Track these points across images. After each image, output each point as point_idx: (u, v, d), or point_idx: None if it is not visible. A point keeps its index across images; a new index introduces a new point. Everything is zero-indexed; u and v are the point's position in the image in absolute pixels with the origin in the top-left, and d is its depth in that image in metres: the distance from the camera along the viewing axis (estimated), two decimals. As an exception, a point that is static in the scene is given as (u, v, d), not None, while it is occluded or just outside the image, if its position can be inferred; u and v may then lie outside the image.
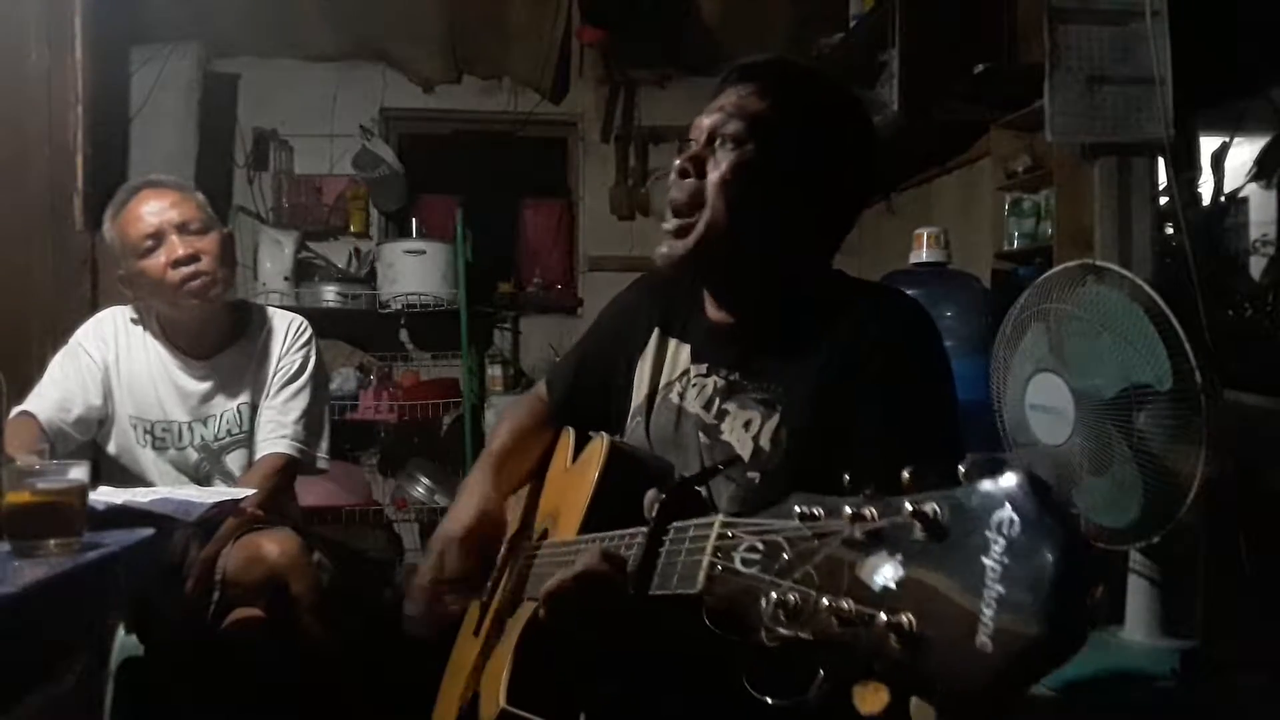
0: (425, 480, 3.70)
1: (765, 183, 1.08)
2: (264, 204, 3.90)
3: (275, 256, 3.64)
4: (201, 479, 1.91)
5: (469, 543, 1.23)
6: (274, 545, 1.71)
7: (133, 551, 1.19)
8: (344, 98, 3.92)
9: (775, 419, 1.09)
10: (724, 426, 1.12)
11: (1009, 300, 2.04)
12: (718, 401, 1.14)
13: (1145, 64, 2.25)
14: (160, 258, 1.81)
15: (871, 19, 3.08)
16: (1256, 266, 3.01)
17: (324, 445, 2.01)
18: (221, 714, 1.67)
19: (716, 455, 1.11)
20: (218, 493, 1.66)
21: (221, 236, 1.90)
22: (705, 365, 1.17)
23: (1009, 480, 0.53)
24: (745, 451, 1.09)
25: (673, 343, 1.23)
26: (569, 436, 1.27)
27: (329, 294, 3.69)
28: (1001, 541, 0.51)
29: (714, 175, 1.08)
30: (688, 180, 1.09)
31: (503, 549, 1.26)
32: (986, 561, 0.51)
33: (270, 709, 1.64)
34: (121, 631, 1.79)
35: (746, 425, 1.10)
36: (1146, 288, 1.71)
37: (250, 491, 1.70)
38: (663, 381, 1.21)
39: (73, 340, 1.94)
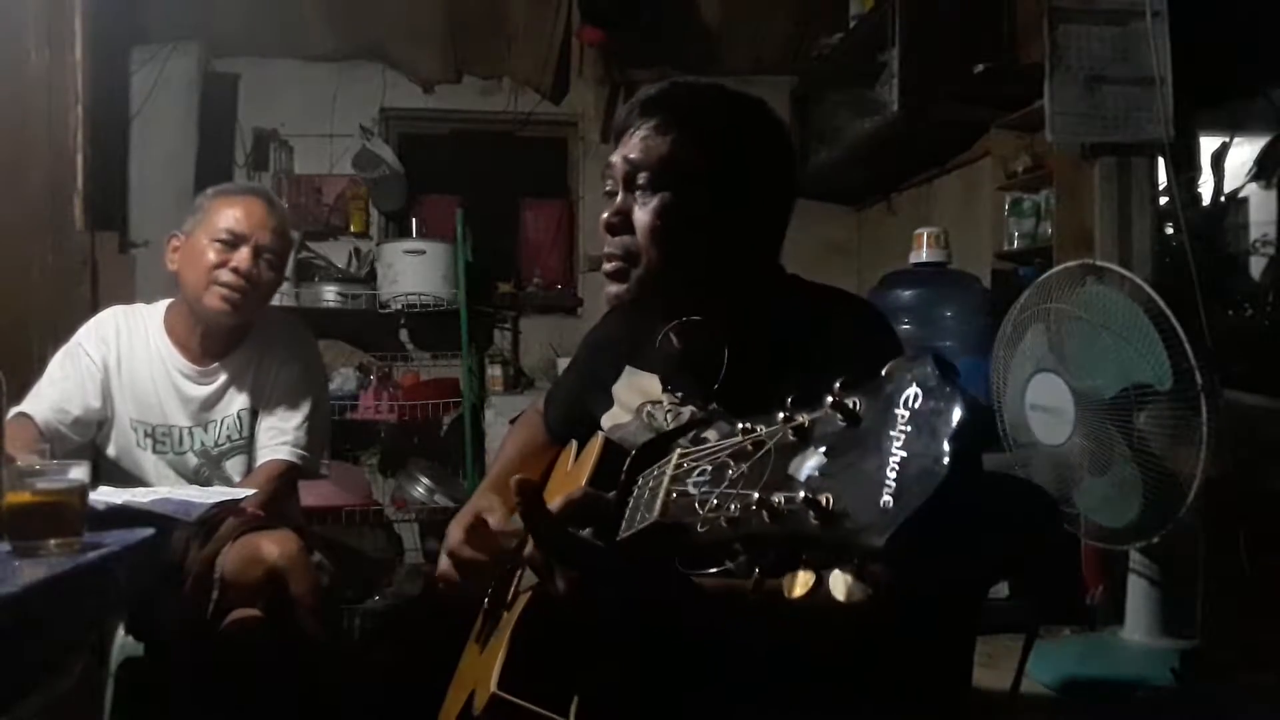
0: (425, 480, 3.70)
1: (690, 221, 1.08)
2: (264, 204, 3.90)
3: (275, 256, 3.63)
4: (201, 483, 1.90)
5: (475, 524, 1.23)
6: (273, 546, 1.70)
7: (133, 551, 1.19)
8: (344, 98, 3.92)
9: None
10: None
11: (1009, 300, 2.04)
12: (695, 430, 1.15)
13: (1145, 64, 2.25)
14: (223, 255, 1.82)
15: (871, 19, 3.09)
16: (1256, 266, 3.01)
17: (325, 451, 2.00)
18: (221, 714, 1.66)
19: None
20: (218, 492, 1.65)
21: (278, 281, 1.93)
22: (679, 394, 1.18)
23: (917, 363, 0.58)
24: None
25: (642, 375, 1.24)
26: (572, 446, 1.28)
27: (329, 294, 3.69)
28: (906, 414, 0.57)
29: (640, 224, 1.08)
30: (618, 237, 1.10)
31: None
32: (893, 433, 0.57)
33: (270, 709, 1.64)
34: (121, 631, 1.78)
35: None
36: (1146, 288, 1.71)
37: (250, 491, 1.70)
38: (634, 407, 1.22)
39: (73, 340, 1.92)
